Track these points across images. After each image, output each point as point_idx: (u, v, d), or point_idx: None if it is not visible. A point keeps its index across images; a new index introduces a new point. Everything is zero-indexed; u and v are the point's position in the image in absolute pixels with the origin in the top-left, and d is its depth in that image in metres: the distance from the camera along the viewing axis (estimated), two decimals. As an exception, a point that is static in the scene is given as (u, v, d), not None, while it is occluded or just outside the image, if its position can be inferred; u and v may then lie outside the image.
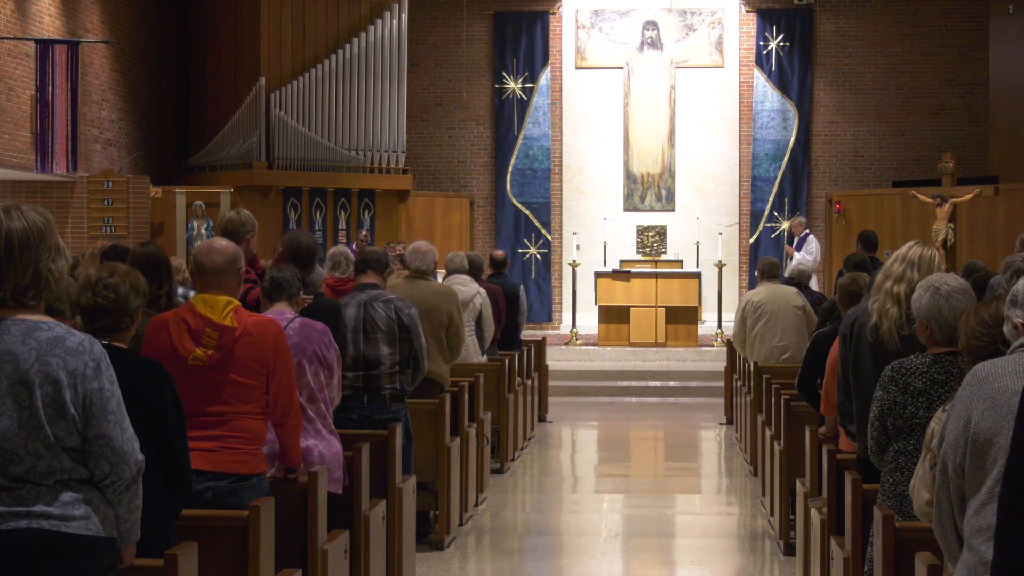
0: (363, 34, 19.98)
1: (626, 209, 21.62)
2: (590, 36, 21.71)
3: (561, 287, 21.46)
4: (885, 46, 21.55)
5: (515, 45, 21.69)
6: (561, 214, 21.81)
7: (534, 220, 21.69)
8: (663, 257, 20.54)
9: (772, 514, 9.09)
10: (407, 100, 20.40)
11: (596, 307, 19.43)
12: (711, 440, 14.21)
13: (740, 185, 21.66)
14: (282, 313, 6.04)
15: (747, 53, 21.56)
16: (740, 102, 21.61)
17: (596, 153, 21.81)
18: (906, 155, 21.54)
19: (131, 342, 4.64)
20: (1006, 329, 3.54)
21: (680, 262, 20.36)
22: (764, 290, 11.43)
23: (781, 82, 21.43)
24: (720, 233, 20.81)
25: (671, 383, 17.73)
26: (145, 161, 19.47)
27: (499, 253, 13.82)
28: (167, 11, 20.26)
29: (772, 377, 9.76)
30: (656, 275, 19.40)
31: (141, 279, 4.64)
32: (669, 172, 21.67)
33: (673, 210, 21.56)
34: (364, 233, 18.74)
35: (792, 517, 8.34)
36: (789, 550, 8.30)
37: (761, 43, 21.48)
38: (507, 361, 11.68)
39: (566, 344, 19.18)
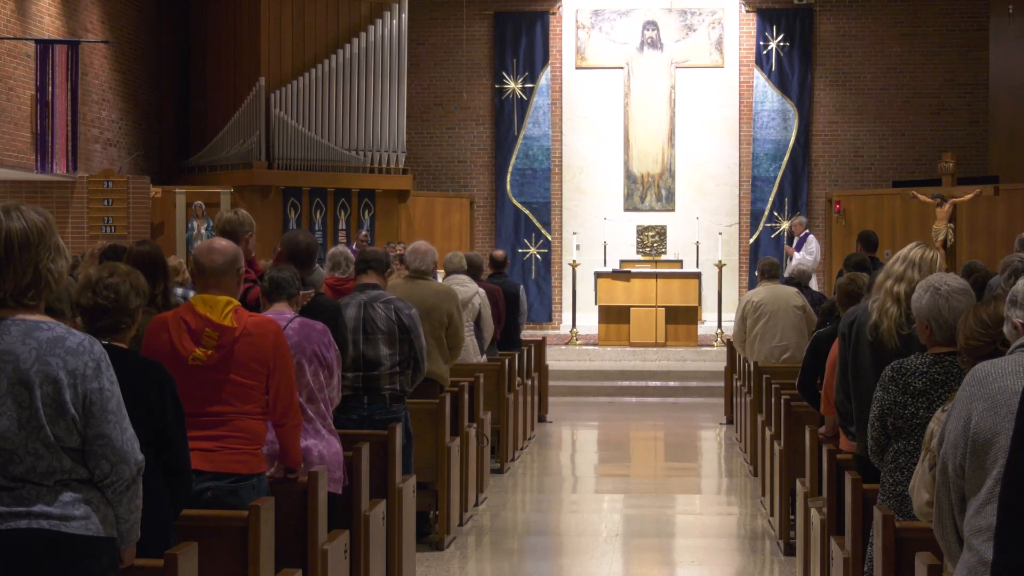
0: (363, 34, 19.98)
1: (626, 209, 21.62)
2: (590, 36, 21.72)
3: (561, 287, 21.46)
4: (885, 46, 21.55)
5: (515, 45, 21.70)
6: (561, 214, 21.81)
7: (534, 220, 21.69)
8: (663, 257, 20.55)
9: (772, 514, 9.09)
10: (407, 100, 20.40)
11: (596, 307, 19.43)
12: (711, 440, 14.21)
13: (740, 185, 21.66)
14: (282, 313, 6.04)
15: (747, 53, 21.56)
16: (740, 102, 21.61)
17: (596, 153, 21.81)
18: (906, 155, 21.55)
19: (131, 342, 4.64)
20: (1006, 329, 3.54)
21: (680, 262, 20.37)
22: (764, 290, 11.43)
23: (781, 82, 21.43)
24: (720, 233, 20.81)
25: (671, 383, 17.73)
26: (145, 161, 19.47)
27: (499, 253, 13.82)
28: (167, 11, 20.26)
29: (772, 377, 9.76)
30: (656, 275, 19.40)
31: (141, 279, 4.64)
32: (669, 172, 21.67)
33: (673, 210, 21.57)
34: (364, 233, 18.74)
35: (792, 517, 8.34)
36: (789, 550, 8.30)
37: (761, 43, 21.48)
38: (507, 361, 11.68)
39: (566, 344, 19.18)
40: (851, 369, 5.75)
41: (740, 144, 21.62)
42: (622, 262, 20.23)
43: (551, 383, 16.01)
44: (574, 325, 19.67)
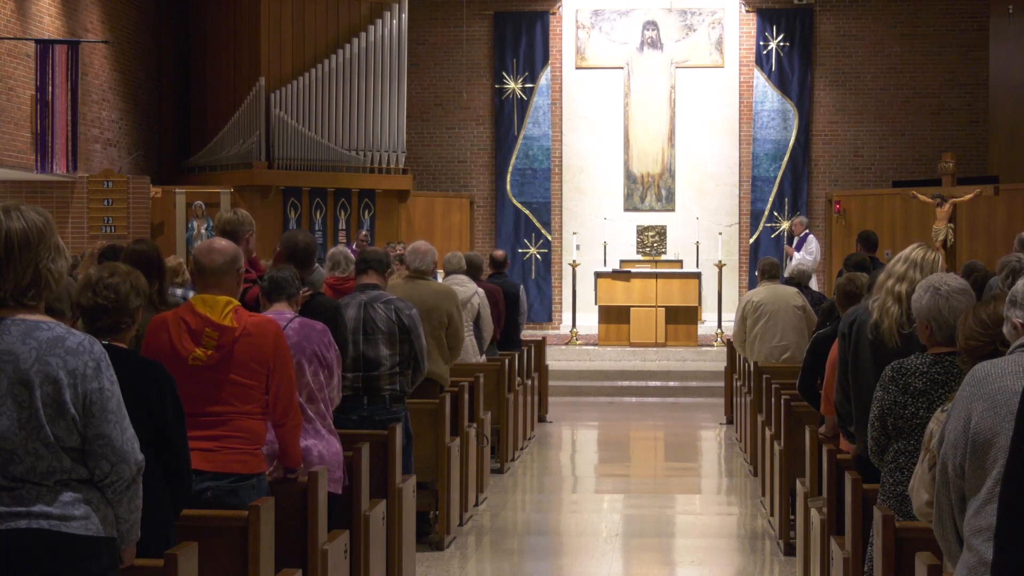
0: (363, 34, 19.98)
1: (626, 209, 21.62)
2: (590, 36, 21.72)
3: (561, 287, 21.46)
4: (885, 46, 21.55)
5: (515, 45, 21.70)
6: (561, 214, 21.81)
7: (534, 220, 21.69)
8: (663, 257, 20.54)
9: (772, 514, 9.09)
10: (407, 100, 20.40)
11: (596, 307, 19.43)
12: (711, 440, 14.21)
13: (740, 185, 21.66)
14: (282, 313, 6.04)
15: (747, 53, 21.56)
16: (740, 102, 21.61)
17: (596, 153, 21.81)
18: (906, 155, 21.55)
19: (131, 342, 4.64)
20: (1006, 329, 3.54)
21: (680, 262, 20.36)
22: (764, 290, 11.43)
23: (781, 82, 21.43)
24: (720, 233, 20.81)
25: (671, 383, 17.73)
26: (145, 161, 19.47)
27: (499, 253, 13.82)
28: (167, 11, 20.26)
29: (772, 377, 9.76)
30: (656, 275, 19.40)
31: (141, 279, 4.64)
32: (669, 172, 21.67)
33: (673, 210, 21.57)
34: (364, 233, 18.74)
35: (792, 517, 8.34)
36: (789, 550, 8.30)
37: (761, 43, 21.48)
38: (507, 361, 11.68)
39: (566, 344, 19.18)
40: (851, 369, 5.75)
41: (740, 144, 21.62)
42: (622, 262, 20.23)
43: (551, 383, 16.01)
44: (574, 325, 19.67)
